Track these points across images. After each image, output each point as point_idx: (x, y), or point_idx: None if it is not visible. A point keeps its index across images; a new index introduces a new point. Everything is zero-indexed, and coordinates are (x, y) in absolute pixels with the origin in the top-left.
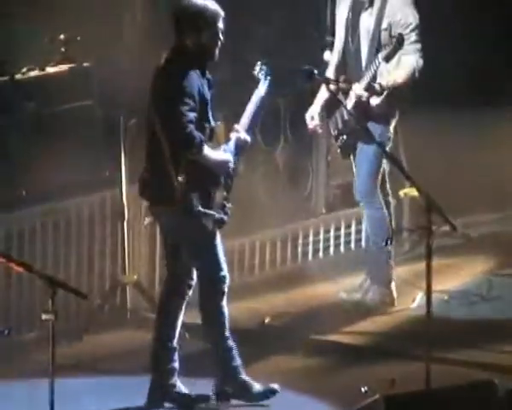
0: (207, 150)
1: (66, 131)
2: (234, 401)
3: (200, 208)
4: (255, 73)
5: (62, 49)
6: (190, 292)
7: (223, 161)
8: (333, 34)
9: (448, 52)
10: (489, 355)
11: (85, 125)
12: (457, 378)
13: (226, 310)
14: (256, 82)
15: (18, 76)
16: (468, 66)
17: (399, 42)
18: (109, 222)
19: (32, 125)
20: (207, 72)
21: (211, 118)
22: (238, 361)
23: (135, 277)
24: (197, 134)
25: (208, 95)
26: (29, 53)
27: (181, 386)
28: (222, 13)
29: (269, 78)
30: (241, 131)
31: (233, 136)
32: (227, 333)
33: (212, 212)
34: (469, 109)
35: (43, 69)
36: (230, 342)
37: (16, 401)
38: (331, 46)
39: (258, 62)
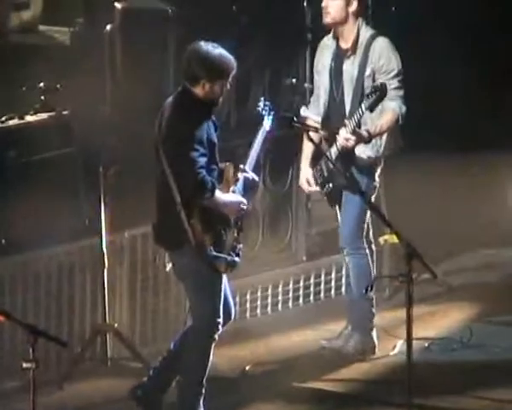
0: (218, 193)
1: (46, 179)
2: None
3: (213, 251)
4: (259, 109)
5: (42, 98)
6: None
7: (235, 202)
8: (311, 82)
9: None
10: (471, 401)
11: (65, 173)
12: None
13: (211, 357)
14: (260, 119)
15: None
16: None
17: (383, 91)
18: (89, 270)
19: (11, 173)
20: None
21: (218, 160)
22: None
23: (115, 324)
24: (209, 179)
25: (215, 137)
26: (8, 101)
27: None
28: (235, 65)
29: (272, 113)
30: (248, 171)
31: (240, 176)
32: (204, 379)
33: (223, 255)
34: (453, 155)
35: (23, 118)
36: (203, 390)
37: None
38: (310, 94)
39: (262, 99)
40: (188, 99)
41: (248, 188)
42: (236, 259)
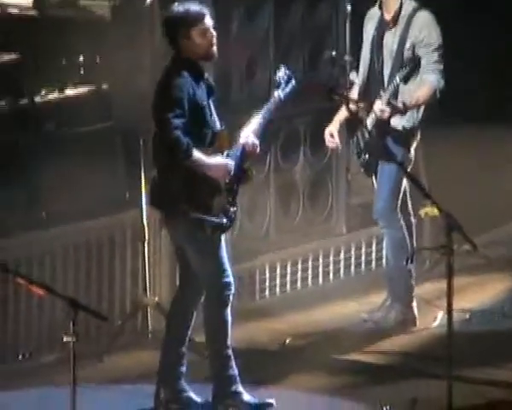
0: (199, 155)
1: (86, 152)
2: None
3: (194, 214)
4: (277, 76)
5: (81, 71)
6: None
7: (219, 164)
8: (352, 54)
9: (470, 72)
10: (511, 374)
11: (104, 146)
12: (480, 397)
13: (229, 318)
14: (276, 86)
15: (37, 98)
16: (489, 86)
17: (415, 64)
18: (130, 244)
19: (51, 147)
20: (208, 78)
21: (212, 123)
22: (235, 371)
23: (156, 298)
24: (184, 139)
25: (204, 100)
26: (47, 75)
27: (186, 389)
28: (205, 11)
29: (292, 82)
30: (250, 136)
31: (241, 140)
32: (228, 342)
33: (208, 217)
34: (492, 128)
35: (62, 91)
36: (229, 352)
37: None
38: (352, 66)
39: (282, 66)
40: (174, 61)
41: (246, 153)
42: (224, 221)
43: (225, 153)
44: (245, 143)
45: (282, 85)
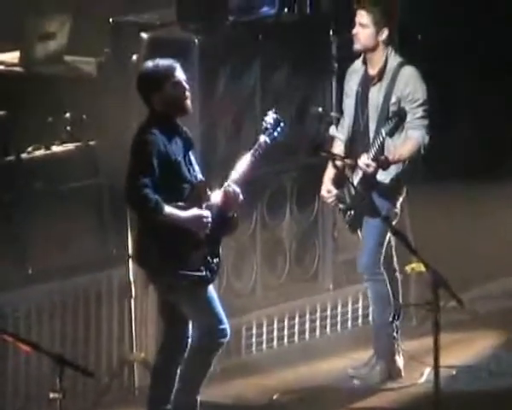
0: (171, 210)
1: (73, 209)
2: None
3: (173, 269)
4: (265, 120)
5: (68, 128)
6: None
7: (194, 217)
8: (338, 110)
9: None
10: None
11: (91, 203)
12: None
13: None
14: (261, 132)
15: (24, 155)
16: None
17: (401, 117)
18: (116, 300)
19: (38, 203)
20: (186, 132)
21: (190, 176)
22: None
23: (142, 354)
24: (153, 196)
25: (179, 155)
26: (34, 132)
27: None
28: (176, 65)
29: (281, 125)
30: (230, 185)
31: (222, 190)
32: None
33: (187, 272)
34: (479, 183)
35: (49, 148)
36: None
37: None
38: (336, 122)
39: (271, 112)
40: (149, 117)
41: (228, 201)
42: (204, 273)
43: (204, 205)
44: (225, 192)
45: (269, 130)
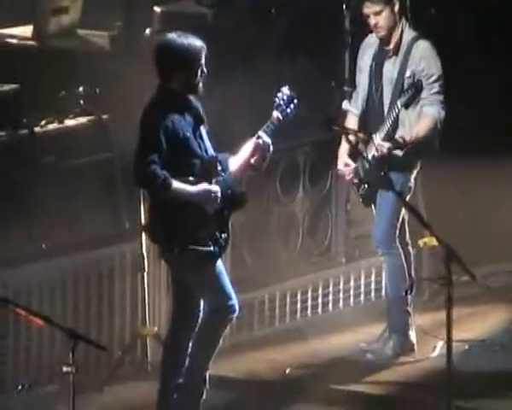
0: (179, 185)
1: (86, 183)
2: None
3: (182, 245)
4: (278, 96)
5: (81, 102)
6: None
7: (202, 192)
8: (351, 85)
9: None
10: (510, 405)
11: (104, 177)
12: None
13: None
14: (274, 108)
15: (37, 129)
16: (491, 116)
17: (418, 88)
18: (129, 275)
19: (51, 178)
20: (198, 108)
21: (200, 152)
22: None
23: (155, 329)
24: (161, 172)
25: (189, 131)
26: (47, 106)
27: None
28: (204, 47)
29: (294, 102)
30: (261, 135)
31: (233, 165)
32: (209, 366)
33: (195, 247)
34: (490, 159)
35: (62, 122)
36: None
37: None
38: (349, 97)
39: (284, 88)
40: (159, 92)
41: (238, 176)
42: (212, 249)
43: (214, 180)
44: (236, 168)
45: (282, 106)
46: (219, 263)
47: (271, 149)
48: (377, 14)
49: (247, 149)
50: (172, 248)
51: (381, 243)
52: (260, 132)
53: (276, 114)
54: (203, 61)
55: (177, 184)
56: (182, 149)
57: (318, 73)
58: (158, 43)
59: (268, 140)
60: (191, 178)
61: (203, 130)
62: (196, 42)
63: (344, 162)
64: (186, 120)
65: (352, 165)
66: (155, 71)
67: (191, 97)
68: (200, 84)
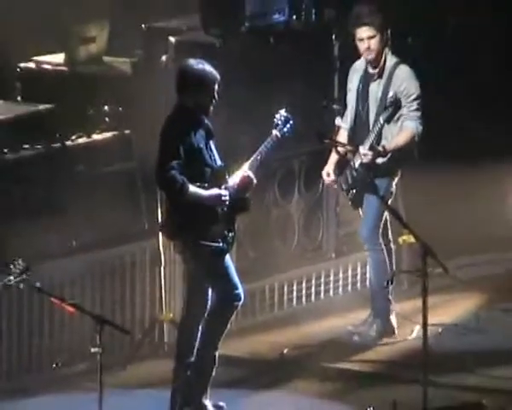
0: (195, 189)
1: (111, 189)
2: None
3: (193, 241)
4: (276, 117)
5: (106, 119)
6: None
7: (214, 196)
8: (340, 104)
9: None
10: (478, 379)
11: (126, 184)
12: (451, 400)
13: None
14: (273, 127)
15: (68, 143)
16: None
17: (397, 106)
18: (148, 268)
19: (80, 185)
20: (208, 123)
21: (211, 161)
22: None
23: (171, 314)
24: (180, 177)
25: (201, 143)
26: (77, 122)
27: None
28: (218, 77)
29: (288, 125)
30: (246, 171)
31: (238, 175)
32: (218, 346)
33: (207, 243)
34: (461, 166)
35: (90, 136)
36: (216, 355)
37: None
38: (340, 113)
39: (281, 111)
40: (177, 110)
41: (243, 184)
42: (221, 245)
43: (223, 186)
44: (241, 176)
45: (280, 126)
46: (227, 257)
47: (254, 182)
48: (370, 38)
49: (234, 179)
50: (187, 244)
51: (367, 240)
52: (246, 168)
53: (274, 132)
54: (217, 87)
55: (192, 188)
56: (195, 159)
57: (312, 93)
58: (180, 67)
59: (252, 175)
60: (205, 185)
61: (212, 143)
62: (213, 70)
63: (326, 172)
64: (199, 133)
65: (332, 175)
66: (170, 92)
67: (201, 115)
68: (211, 108)
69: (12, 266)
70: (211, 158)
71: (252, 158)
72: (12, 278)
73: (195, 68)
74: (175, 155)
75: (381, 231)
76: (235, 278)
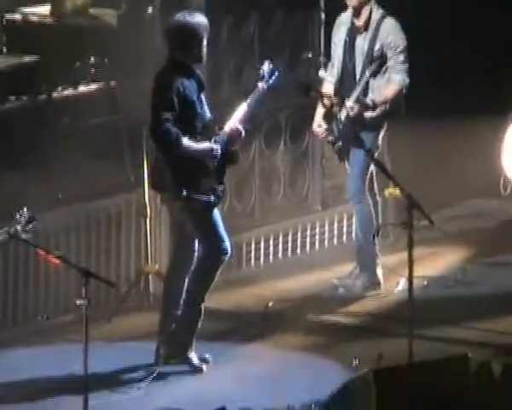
0: (188, 142)
1: (96, 142)
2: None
3: (185, 194)
4: (262, 69)
5: (92, 71)
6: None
7: (206, 149)
8: (326, 56)
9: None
10: (463, 332)
11: (112, 136)
12: (436, 353)
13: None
14: (259, 79)
15: (54, 94)
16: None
17: (383, 60)
18: (134, 220)
19: (66, 137)
20: (199, 75)
21: (202, 114)
22: (195, 332)
23: (156, 266)
24: (174, 130)
25: (194, 95)
26: (63, 74)
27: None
28: (207, 25)
29: (276, 74)
30: (235, 123)
31: (227, 127)
32: (205, 299)
33: (198, 196)
34: (445, 119)
35: (76, 88)
36: (203, 307)
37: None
38: (325, 66)
39: (267, 62)
40: (170, 63)
41: (232, 137)
42: (212, 198)
43: (213, 139)
44: (230, 129)
45: (266, 78)
46: (216, 211)
47: (243, 135)
48: None
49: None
50: (178, 196)
51: (354, 195)
52: (234, 120)
53: (260, 84)
54: (206, 35)
55: (186, 141)
56: (188, 111)
57: (297, 45)
58: (170, 21)
59: (240, 127)
60: (196, 137)
61: (203, 95)
62: (202, 19)
63: (318, 123)
64: (192, 86)
65: (324, 126)
66: (157, 44)
67: (194, 67)
68: (204, 54)
69: (18, 216)
70: (202, 110)
71: (239, 110)
72: (19, 227)
73: (189, 23)
74: (169, 107)
75: (367, 184)
76: (223, 232)
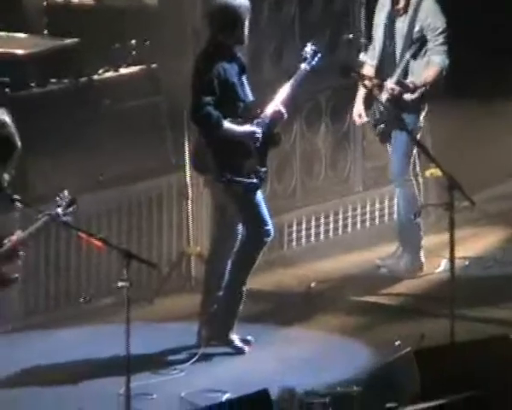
0: (229, 125)
1: (137, 123)
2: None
3: (227, 176)
4: (304, 50)
5: (133, 53)
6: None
7: (248, 132)
8: (367, 38)
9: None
10: (504, 313)
11: (154, 118)
12: (478, 333)
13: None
14: (301, 60)
15: (95, 77)
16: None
17: (422, 41)
18: (175, 202)
19: (107, 119)
20: (241, 58)
21: (244, 97)
22: (237, 314)
23: (198, 248)
24: (215, 113)
25: (235, 78)
26: (104, 56)
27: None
28: (249, 6)
29: (318, 55)
30: (277, 105)
31: (269, 110)
32: (246, 282)
33: (240, 178)
34: (486, 101)
35: (117, 70)
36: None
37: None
38: (365, 48)
39: (309, 44)
40: (211, 45)
41: (274, 119)
42: (255, 180)
43: (255, 122)
44: (273, 111)
45: (308, 59)
46: (259, 193)
47: (285, 117)
48: None
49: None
50: (222, 178)
51: (398, 177)
52: (277, 102)
53: (303, 65)
54: (248, 17)
55: (227, 124)
56: (229, 94)
57: (339, 27)
58: (213, 2)
59: (283, 109)
60: (238, 119)
61: (244, 78)
62: (244, 1)
63: (358, 112)
64: (234, 68)
65: (364, 115)
66: (197, 25)
67: (236, 49)
68: (246, 36)
69: (58, 199)
70: (244, 93)
71: (281, 92)
72: (60, 210)
73: (231, 4)
74: (210, 91)
75: (410, 166)
76: (266, 214)
